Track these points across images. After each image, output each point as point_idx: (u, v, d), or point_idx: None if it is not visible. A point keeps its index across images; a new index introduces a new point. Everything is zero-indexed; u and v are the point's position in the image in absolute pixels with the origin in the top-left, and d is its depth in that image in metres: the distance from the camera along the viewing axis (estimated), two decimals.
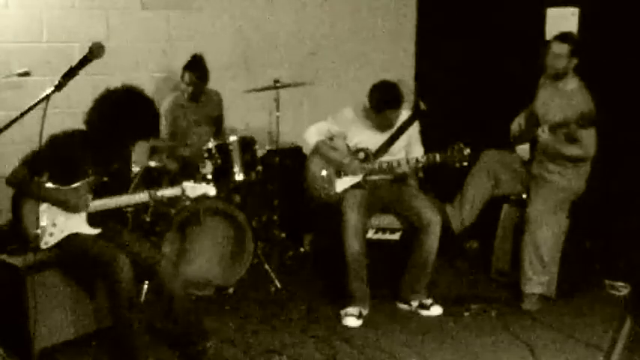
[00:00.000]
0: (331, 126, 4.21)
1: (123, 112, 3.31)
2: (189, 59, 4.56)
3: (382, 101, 4.01)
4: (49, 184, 3.29)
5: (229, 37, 5.25)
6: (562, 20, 5.01)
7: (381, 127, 4.12)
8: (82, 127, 3.39)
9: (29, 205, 3.25)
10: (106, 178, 3.39)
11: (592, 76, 4.23)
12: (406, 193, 4.14)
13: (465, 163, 3.97)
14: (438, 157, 3.96)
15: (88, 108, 3.37)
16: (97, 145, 3.36)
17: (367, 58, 5.84)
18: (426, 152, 4.16)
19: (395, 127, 4.14)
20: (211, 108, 4.74)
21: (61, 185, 3.30)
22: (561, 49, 4.10)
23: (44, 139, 3.25)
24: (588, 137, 4.02)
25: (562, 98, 4.14)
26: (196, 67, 4.54)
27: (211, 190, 3.53)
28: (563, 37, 4.15)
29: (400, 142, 4.17)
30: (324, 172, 4.16)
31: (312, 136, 4.20)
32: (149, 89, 4.86)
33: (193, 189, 3.48)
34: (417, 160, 4.01)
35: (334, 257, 4.01)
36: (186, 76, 4.54)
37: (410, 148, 4.19)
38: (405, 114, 4.18)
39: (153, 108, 3.45)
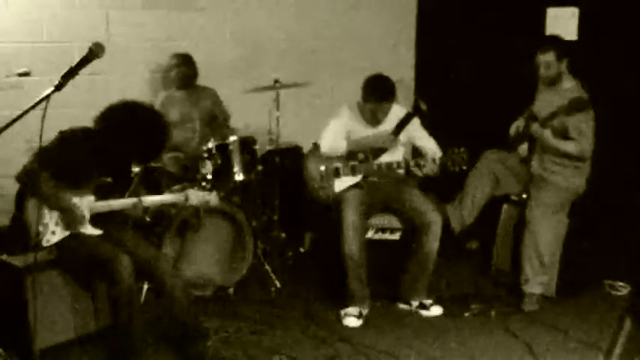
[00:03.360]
0: (340, 124, 4.17)
1: (134, 133, 3.31)
2: None
3: (368, 92, 4.03)
4: (55, 188, 3.28)
5: (229, 37, 5.25)
6: (562, 20, 5.01)
7: (373, 121, 4.12)
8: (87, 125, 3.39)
9: (32, 203, 3.25)
10: (110, 179, 3.40)
11: (592, 76, 4.23)
12: (406, 193, 4.14)
13: (465, 167, 3.97)
14: (437, 159, 3.96)
15: (100, 109, 3.36)
16: (102, 149, 3.35)
17: (367, 58, 5.83)
18: None
19: (385, 122, 4.13)
20: (204, 104, 4.75)
21: (65, 186, 3.30)
22: (547, 57, 4.11)
23: (53, 136, 3.26)
24: (584, 135, 4.03)
25: (559, 97, 4.15)
26: (185, 54, 4.70)
27: (214, 200, 3.54)
28: (546, 44, 4.14)
29: (395, 144, 4.16)
30: (322, 172, 4.15)
31: (334, 143, 4.09)
32: (149, 89, 4.88)
33: (197, 196, 3.48)
34: (417, 163, 4.00)
35: (334, 257, 4.01)
36: (175, 60, 4.67)
37: (422, 145, 4.19)
38: (399, 111, 4.18)
39: (165, 133, 3.44)
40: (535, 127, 4.16)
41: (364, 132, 4.13)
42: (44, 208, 3.26)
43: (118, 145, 3.31)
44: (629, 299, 4.21)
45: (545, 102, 4.23)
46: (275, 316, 3.95)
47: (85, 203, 3.33)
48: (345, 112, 4.19)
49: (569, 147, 4.08)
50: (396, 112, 4.16)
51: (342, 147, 4.07)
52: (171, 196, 3.49)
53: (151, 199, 3.44)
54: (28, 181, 3.25)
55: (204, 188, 3.63)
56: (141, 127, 3.33)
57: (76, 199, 3.30)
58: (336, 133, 4.11)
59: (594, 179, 4.25)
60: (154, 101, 4.70)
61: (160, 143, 3.43)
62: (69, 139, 3.30)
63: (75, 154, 3.30)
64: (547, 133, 4.11)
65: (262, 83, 4.67)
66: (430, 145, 4.18)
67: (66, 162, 3.28)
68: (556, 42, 4.20)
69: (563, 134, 4.08)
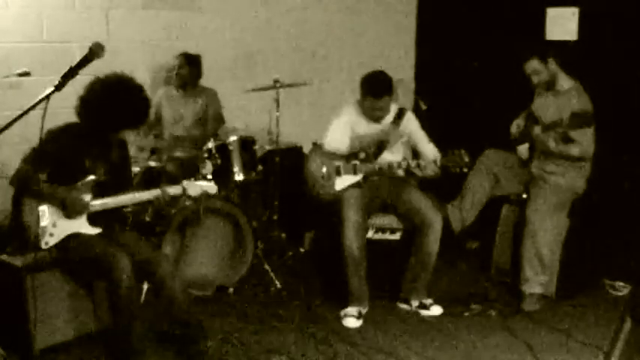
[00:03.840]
0: (342, 122, 4.17)
1: (109, 99, 3.28)
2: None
3: (365, 89, 4.04)
4: (51, 185, 3.28)
5: (229, 37, 5.25)
6: (562, 20, 5.01)
7: (373, 118, 4.12)
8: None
9: (29, 205, 3.25)
10: (103, 178, 3.39)
11: (592, 76, 4.23)
12: (406, 193, 4.14)
13: (465, 169, 3.97)
14: (438, 161, 3.96)
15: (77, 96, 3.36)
16: (89, 135, 3.35)
17: (367, 57, 5.84)
18: None
19: (388, 119, 4.14)
20: (199, 104, 4.75)
21: (61, 183, 3.29)
22: (532, 65, 4.11)
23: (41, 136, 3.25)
24: (585, 137, 4.03)
25: (558, 98, 4.15)
26: (189, 56, 4.68)
27: (212, 188, 3.53)
28: (527, 53, 4.13)
29: (396, 137, 4.17)
30: (323, 170, 4.15)
31: (337, 141, 4.12)
32: (149, 89, 4.87)
33: (194, 187, 3.48)
34: (418, 164, 4.00)
35: (334, 257, 4.01)
36: (178, 60, 4.67)
37: (421, 148, 4.19)
38: (395, 109, 4.19)
39: (141, 95, 3.39)
40: (537, 132, 4.13)
41: (367, 128, 4.14)
42: (41, 210, 3.26)
43: (101, 113, 3.30)
44: (629, 299, 4.21)
45: (546, 104, 4.22)
46: (275, 316, 3.95)
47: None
48: (347, 110, 4.20)
49: (571, 151, 4.07)
50: (395, 109, 4.18)
51: (344, 145, 4.10)
52: (170, 188, 3.48)
53: (148, 194, 3.44)
54: (22, 184, 3.25)
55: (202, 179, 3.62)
56: (120, 89, 3.32)
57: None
58: (339, 131, 4.14)
59: (594, 179, 4.24)
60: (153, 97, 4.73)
61: (143, 103, 3.41)
62: (56, 135, 3.29)
63: (64, 147, 3.29)
64: (550, 141, 4.08)
65: (262, 83, 4.67)
66: (430, 148, 4.17)
67: (57, 157, 3.28)
68: (536, 46, 4.20)
69: (565, 137, 4.06)
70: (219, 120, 4.84)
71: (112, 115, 3.31)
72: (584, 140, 4.04)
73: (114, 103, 3.28)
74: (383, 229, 4.22)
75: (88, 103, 3.31)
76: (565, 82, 4.16)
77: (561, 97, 4.13)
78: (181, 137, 4.66)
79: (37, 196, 3.24)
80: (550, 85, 4.17)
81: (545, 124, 4.10)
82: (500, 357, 3.54)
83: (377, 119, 4.13)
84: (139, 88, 3.39)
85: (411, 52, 6.28)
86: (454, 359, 3.52)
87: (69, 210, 3.29)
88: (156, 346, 3.51)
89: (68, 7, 4.46)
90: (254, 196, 4.77)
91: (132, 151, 4.01)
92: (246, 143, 4.40)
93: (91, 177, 3.33)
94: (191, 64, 4.70)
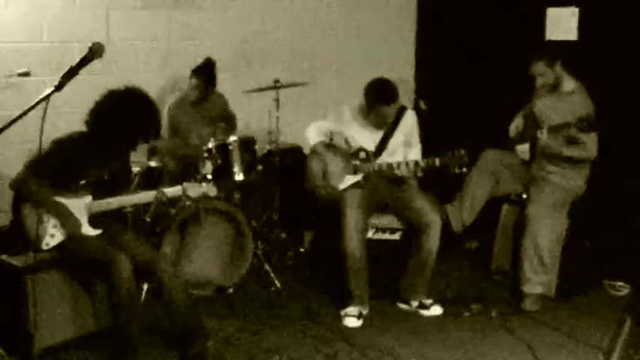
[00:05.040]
0: (331, 124, 4.21)
1: (124, 114, 3.32)
2: (200, 63, 4.63)
3: (373, 97, 3.99)
4: (55, 197, 3.29)
5: (229, 36, 5.25)
6: (562, 20, 5.02)
7: (378, 124, 4.10)
8: (83, 127, 3.39)
9: (29, 207, 3.25)
10: (106, 177, 3.40)
11: (592, 76, 4.23)
12: (406, 193, 4.13)
13: (465, 169, 3.97)
14: (437, 161, 3.95)
15: (88, 108, 3.38)
16: (97, 146, 3.36)
17: (367, 57, 5.85)
18: (425, 153, 4.16)
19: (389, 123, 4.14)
20: (213, 109, 4.76)
21: (62, 189, 3.30)
22: (538, 68, 4.11)
23: (47, 144, 3.26)
24: (590, 139, 4.02)
25: (561, 100, 4.14)
26: (203, 72, 4.62)
27: (212, 190, 3.53)
28: (534, 56, 4.14)
29: (397, 139, 4.15)
30: (324, 169, 4.16)
31: (312, 134, 4.21)
32: (149, 89, 4.85)
33: (194, 189, 3.48)
34: (417, 164, 4.00)
35: (334, 257, 4.01)
36: (193, 80, 4.62)
37: (408, 149, 4.19)
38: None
39: (155, 109, 3.46)
40: (541, 135, 4.10)
41: (366, 134, 4.13)
42: (42, 211, 3.26)
43: (114, 128, 3.32)
44: (629, 299, 4.21)
45: (549, 106, 4.19)
46: (275, 316, 3.95)
47: (83, 204, 3.33)
48: (346, 113, 4.17)
49: (576, 152, 4.06)
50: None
51: (311, 142, 4.20)
52: (170, 189, 3.49)
53: (146, 196, 3.44)
54: (21, 191, 3.25)
55: (201, 181, 3.63)
56: (134, 105, 3.36)
57: (71, 201, 3.30)
58: (320, 130, 4.21)
59: (594, 179, 4.24)
60: (160, 101, 4.70)
61: (156, 117, 3.45)
62: (61, 145, 3.30)
63: (69, 158, 3.30)
64: (559, 146, 4.07)
65: (262, 83, 4.67)
66: (415, 149, 4.17)
67: (61, 168, 3.28)
68: (544, 50, 4.19)
69: (570, 139, 4.05)
70: (233, 118, 4.85)
71: (127, 130, 3.36)
72: (589, 141, 4.04)
73: (130, 119, 3.33)
74: (383, 229, 4.22)
75: (102, 117, 3.34)
76: (568, 84, 4.15)
77: (566, 99, 4.12)
78: (193, 142, 4.64)
79: (36, 203, 3.25)
80: (553, 88, 4.16)
81: (552, 126, 4.07)
82: (500, 357, 3.54)
83: (382, 126, 4.11)
84: (149, 100, 3.44)
85: (411, 52, 6.28)
86: (454, 359, 3.52)
87: (62, 226, 3.29)
88: (156, 345, 3.51)
89: (68, 7, 4.46)
90: (254, 196, 4.76)
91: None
92: (246, 143, 4.40)
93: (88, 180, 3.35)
94: (206, 83, 4.63)
